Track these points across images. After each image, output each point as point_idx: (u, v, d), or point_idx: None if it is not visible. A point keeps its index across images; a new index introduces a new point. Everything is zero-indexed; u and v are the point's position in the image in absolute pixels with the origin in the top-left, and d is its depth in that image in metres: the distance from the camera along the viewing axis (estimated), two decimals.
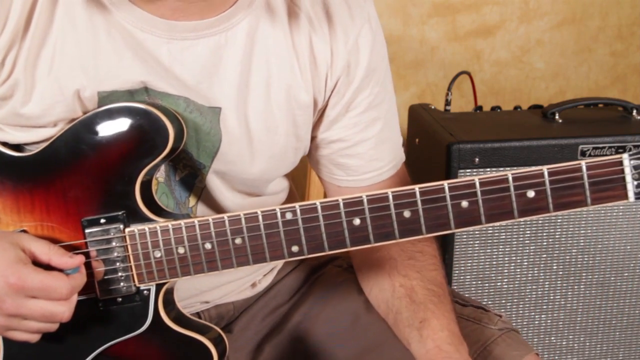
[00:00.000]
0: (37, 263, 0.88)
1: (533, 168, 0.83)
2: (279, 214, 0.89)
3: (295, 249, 0.90)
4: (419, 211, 0.86)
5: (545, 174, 0.83)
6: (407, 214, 0.86)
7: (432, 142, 1.63)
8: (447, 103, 1.84)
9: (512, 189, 0.83)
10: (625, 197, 0.82)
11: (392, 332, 1.04)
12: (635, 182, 0.82)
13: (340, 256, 1.20)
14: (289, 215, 0.88)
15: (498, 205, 0.84)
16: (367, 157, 1.06)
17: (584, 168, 0.82)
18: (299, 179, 1.50)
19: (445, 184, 0.84)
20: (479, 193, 0.84)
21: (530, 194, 0.83)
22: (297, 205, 0.88)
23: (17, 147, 0.96)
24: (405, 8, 2.11)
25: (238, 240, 0.90)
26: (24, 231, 0.94)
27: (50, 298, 0.87)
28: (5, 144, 0.95)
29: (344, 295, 1.13)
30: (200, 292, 1.11)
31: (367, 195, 0.86)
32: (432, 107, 1.80)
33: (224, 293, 1.14)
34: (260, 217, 0.89)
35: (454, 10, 2.14)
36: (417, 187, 0.85)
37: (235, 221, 0.90)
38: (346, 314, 1.11)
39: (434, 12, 2.13)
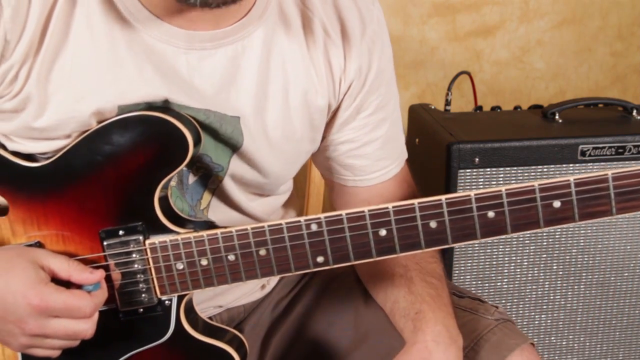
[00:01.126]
0: (57, 279, 0.88)
1: (560, 179, 0.83)
2: (303, 226, 0.88)
3: (320, 259, 0.89)
4: (445, 222, 0.86)
5: (572, 184, 0.83)
6: (433, 224, 0.86)
7: (432, 142, 1.63)
8: (447, 103, 1.83)
9: (538, 199, 0.84)
10: None
11: (390, 321, 1.04)
12: None
13: None
14: (314, 227, 0.88)
15: (524, 216, 0.84)
16: (374, 157, 1.07)
17: (610, 179, 0.83)
18: (299, 179, 1.50)
19: (472, 194, 0.85)
20: (505, 204, 0.84)
21: (557, 204, 0.83)
22: (322, 216, 0.87)
23: (29, 157, 0.94)
24: (405, 8, 2.11)
25: (262, 252, 0.89)
26: (39, 243, 0.92)
27: (74, 317, 0.86)
28: (17, 154, 0.93)
29: (343, 285, 1.14)
30: (215, 296, 1.11)
31: (393, 206, 0.86)
32: (432, 107, 1.80)
33: (236, 297, 1.15)
34: (284, 229, 0.88)
35: (454, 10, 2.14)
36: (443, 198, 0.85)
37: (259, 233, 0.88)
38: (346, 303, 1.11)
39: (434, 12, 2.13)
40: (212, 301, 1.11)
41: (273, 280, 1.19)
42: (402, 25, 2.12)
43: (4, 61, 0.87)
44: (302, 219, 0.88)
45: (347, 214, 0.87)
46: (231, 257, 0.90)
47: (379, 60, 1.03)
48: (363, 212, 0.87)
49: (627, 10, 2.24)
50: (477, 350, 1.01)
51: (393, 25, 2.12)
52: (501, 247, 1.60)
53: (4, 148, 0.94)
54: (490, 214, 0.85)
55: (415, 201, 0.86)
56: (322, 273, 1.18)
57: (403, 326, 1.00)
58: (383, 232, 0.87)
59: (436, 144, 1.59)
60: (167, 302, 0.94)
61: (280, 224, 0.88)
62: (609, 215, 0.84)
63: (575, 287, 1.64)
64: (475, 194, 0.85)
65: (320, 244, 0.88)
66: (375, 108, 1.05)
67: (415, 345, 0.95)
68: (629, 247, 1.63)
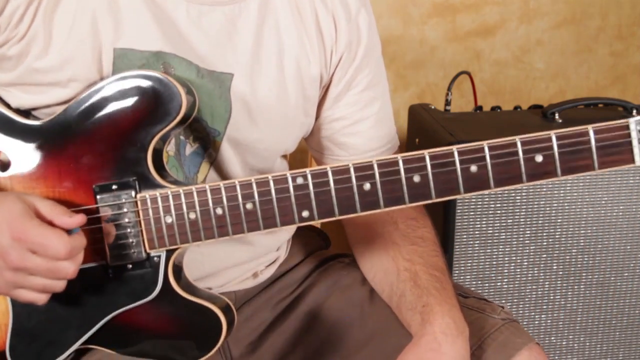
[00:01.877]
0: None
1: (541, 132, 0.84)
2: (289, 179, 0.89)
3: (305, 214, 0.90)
4: (428, 175, 0.86)
5: (554, 138, 0.83)
6: (416, 178, 0.87)
7: (432, 142, 1.63)
8: (447, 103, 1.84)
9: (520, 153, 0.84)
10: (632, 161, 0.83)
11: (396, 319, 1.05)
12: None
13: (345, 253, 1.22)
14: (299, 180, 0.89)
15: (506, 170, 0.85)
16: (367, 136, 1.10)
17: (591, 132, 0.83)
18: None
19: (454, 148, 0.85)
20: (487, 157, 0.85)
21: (539, 158, 0.84)
22: (307, 170, 0.89)
23: (27, 115, 0.97)
24: (405, 8, 2.11)
25: (249, 205, 0.91)
26: None
27: (47, 255, 0.86)
28: (17, 111, 0.96)
29: (348, 285, 1.14)
30: (205, 276, 1.11)
31: (377, 160, 0.87)
32: (432, 107, 1.80)
33: (227, 280, 1.15)
34: (271, 182, 0.90)
35: (454, 10, 2.14)
36: (426, 152, 0.86)
37: (246, 186, 0.90)
38: (351, 303, 1.12)
39: (434, 12, 2.13)
40: (202, 282, 1.11)
41: (267, 271, 1.20)
42: (402, 25, 2.12)
43: (8, 4, 0.90)
44: (288, 173, 0.89)
45: (332, 167, 0.88)
46: (219, 211, 0.91)
47: (368, 37, 1.07)
48: (347, 166, 0.88)
49: (627, 10, 2.24)
50: (485, 348, 1.02)
51: (393, 25, 2.12)
52: (501, 247, 1.60)
53: (8, 107, 0.96)
54: (473, 167, 0.85)
55: (399, 155, 0.87)
56: (327, 274, 1.19)
57: (410, 319, 1.01)
58: (367, 186, 0.88)
59: (436, 144, 1.57)
60: (155, 258, 0.95)
61: (267, 177, 0.90)
62: (591, 170, 0.84)
63: (575, 287, 1.64)
64: (458, 148, 0.85)
65: (305, 197, 0.89)
66: (366, 85, 1.08)
67: (423, 337, 0.96)
68: (629, 247, 1.63)
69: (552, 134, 0.83)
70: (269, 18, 1.01)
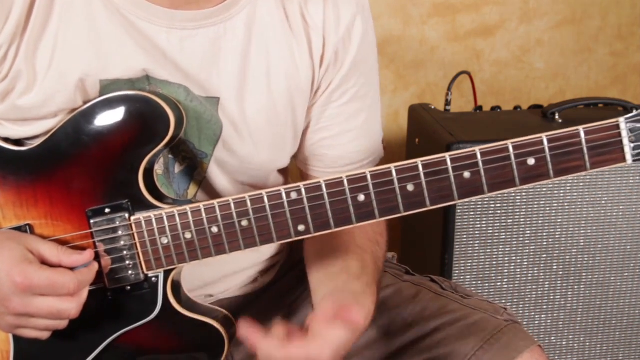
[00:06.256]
0: (47, 265, 0.89)
1: (532, 136, 0.84)
2: (284, 194, 0.89)
3: (301, 228, 0.90)
4: (422, 184, 0.86)
5: (545, 141, 0.84)
6: (410, 187, 0.86)
7: (432, 142, 1.63)
8: (447, 103, 1.84)
9: (512, 157, 0.84)
10: (623, 160, 0.83)
11: (399, 321, 1.05)
12: (632, 145, 0.83)
13: None
14: (294, 195, 0.89)
15: (500, 174, 0.85)
16: (347, 150, 1.08)
17: (582, 133, 0.83)
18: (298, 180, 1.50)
19: (447, 156, 0.85)
20: (480, 163, 0.85)
21: (531, 161, 0.84)
22: (301, 184, 0.89)
23: (19, 142, 0.96)
24: (405, 8, 2.11)
25: (244, 222, 0.90)
26: (28, 225, 0.94)
27: (58, 294, 0.87)
28: (6, 140, 0.95)
29: None
30: (205, 285, 1.11)
31: (370, 171, 0.87)
32: (432, 107, 1.80)
33: (227, 287, 1.15)
34: (265, 198, 0.89)
35: (454, 10, 2.14)
36: (419, 161, 0.86)
37: (240, 203, 0.90)
38: None
39: (434, 12, 2.13)
40: (202, 290, 1.11)
41: (267, 276, 1.19)
42: (402, 25, 2.12)
43: None
44: (282, 188, 0.89)
45: (325, 181, 0.88)
46: (214, 229, 0.91)
47: (359, 48, 1.03)
48: (341, 178, 0.88)
49: (627, 10, 2.24)
50: (487, 349, 1.01)
51: (393, 25, 2.12)
52: (501, 247, 1.60)
53: None
54: (466, 174, 0.85)
55: (392, 165, 0.87)
56: None
57: (352, 285, 0.98)
58: (362, 198, 0.87)
59: (436, 144, 1.59)
60: (153, 278, 0.95)
61: (261, 194, 0.89)
62: (583, 171, 0.84)
63: (575, 287, 1.64)
64: (450, 155, 0.85)
65: (300, 212, 0.89)
66: (351, 97, 1.05)
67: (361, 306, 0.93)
68: (629, 247, 1.63)
69: (544, 136, 0.84)
70: (256, 36, 0.98)
